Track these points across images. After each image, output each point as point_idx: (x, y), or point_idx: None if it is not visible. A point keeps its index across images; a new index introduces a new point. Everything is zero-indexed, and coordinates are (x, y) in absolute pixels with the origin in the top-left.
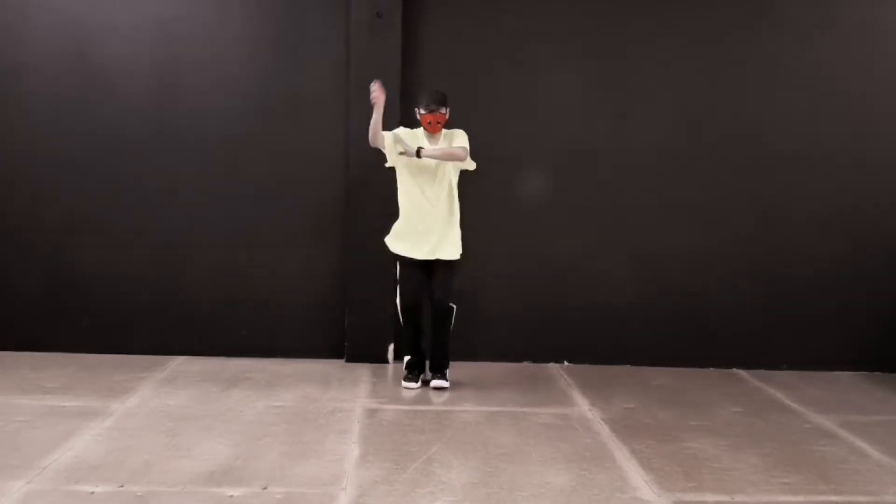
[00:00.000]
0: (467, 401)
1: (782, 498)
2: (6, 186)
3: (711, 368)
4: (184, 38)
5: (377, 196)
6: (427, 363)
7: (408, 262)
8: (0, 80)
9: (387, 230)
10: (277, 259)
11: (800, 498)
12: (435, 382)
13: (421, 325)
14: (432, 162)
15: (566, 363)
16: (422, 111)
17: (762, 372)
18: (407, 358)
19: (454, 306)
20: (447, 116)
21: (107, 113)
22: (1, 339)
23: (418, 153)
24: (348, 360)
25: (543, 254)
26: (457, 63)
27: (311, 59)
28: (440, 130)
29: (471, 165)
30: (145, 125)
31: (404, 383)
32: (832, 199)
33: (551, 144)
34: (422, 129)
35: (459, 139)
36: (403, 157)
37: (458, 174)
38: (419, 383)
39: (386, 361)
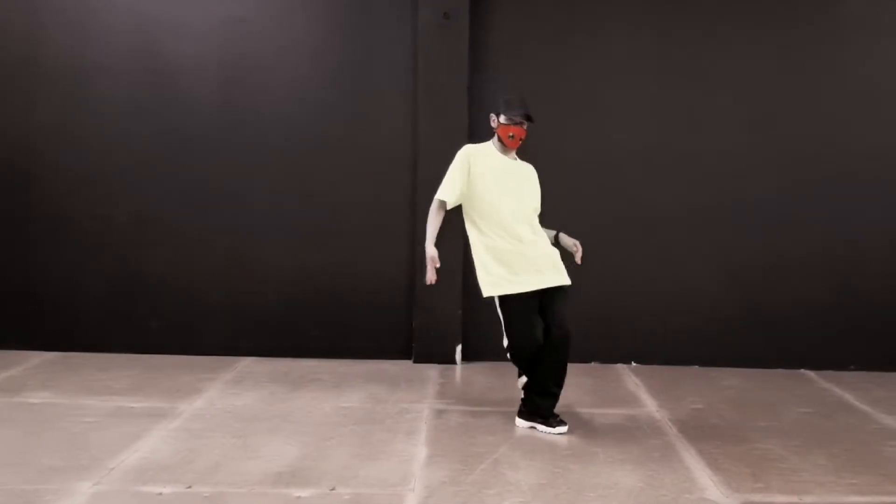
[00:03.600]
0: None
1: (851, 499)
2: (76, 186)
3: (779, 369)
4: (252, 37)
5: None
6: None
7: None
8: (73, 79)
9: (455, 230)
10: (345, 259)
11: (868, 499)
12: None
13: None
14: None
15: (634, 364)
16: (502, 120)
17: (830, 373)
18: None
19: None
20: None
21: (176, 112)
22: (69, 340)
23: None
24: (416, 361)
25: (611, 255)
26: (526, 64)
27: (378, 59)
28: (517, 147)
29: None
30: (214, 125)
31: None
32: None
33: (621, 147)
34: (492, 143)
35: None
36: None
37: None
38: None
39: (454, 362)
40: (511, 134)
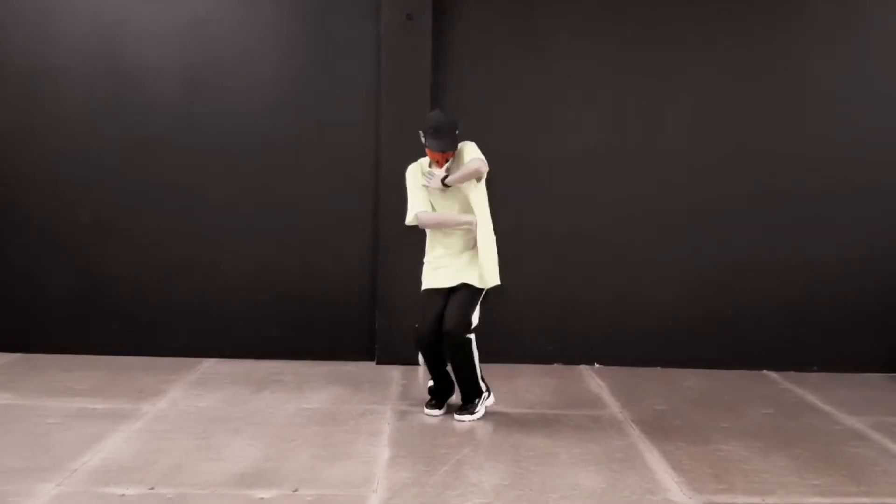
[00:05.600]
0: (498, 403)
1: (813, 500)
2: (37, 187)
3: (742, 370)
4: (215, 38)
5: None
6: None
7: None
8: (32, 81)
9: (420, 233)
10: (308, 260)
11: (830, 500)
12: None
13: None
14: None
15: (597, 365)
16: (426, 144)
17: (792, 374)
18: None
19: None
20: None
21: (137, 114)
22: (31, 342)
23: (444, 182)
24: (379, 362)
25: (573, 256)
26: (488, 65)
27: (341, 60)
28: (444, 164)
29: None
30: (176, 126)
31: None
32: (863, 201)
33: (583, 148)
34: (426, 159)
35: (469, 150)
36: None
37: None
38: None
39: (417, 364)
40: (435, 159)
